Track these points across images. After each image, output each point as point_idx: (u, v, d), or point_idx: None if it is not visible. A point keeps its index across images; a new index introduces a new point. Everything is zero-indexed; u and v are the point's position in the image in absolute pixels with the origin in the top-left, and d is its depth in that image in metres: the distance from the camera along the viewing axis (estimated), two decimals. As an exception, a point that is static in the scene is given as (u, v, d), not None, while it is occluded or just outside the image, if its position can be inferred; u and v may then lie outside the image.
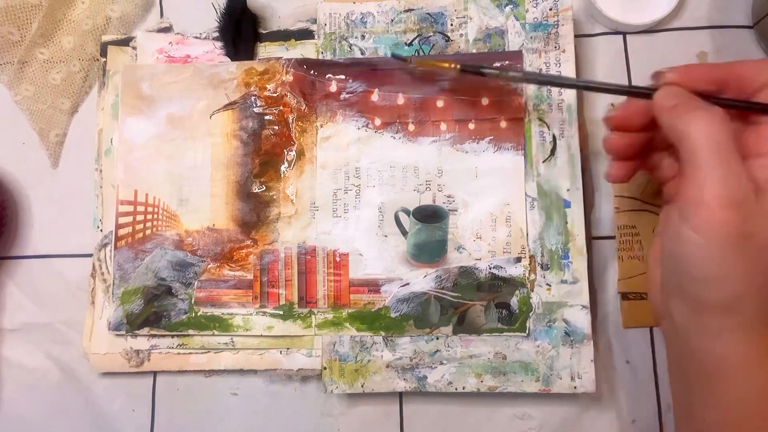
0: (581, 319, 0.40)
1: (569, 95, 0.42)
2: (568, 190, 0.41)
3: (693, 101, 0.30)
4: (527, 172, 0.42)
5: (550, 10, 0.42)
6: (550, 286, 0.41)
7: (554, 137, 0.42)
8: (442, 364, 0.41)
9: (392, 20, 0.44)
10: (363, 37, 0.44)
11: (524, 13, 0.43)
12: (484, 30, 0.43)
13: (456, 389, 0.40)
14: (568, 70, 0.42)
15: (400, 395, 0.42)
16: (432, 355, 0.41)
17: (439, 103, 0.42)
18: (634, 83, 0.44)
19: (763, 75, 0.30)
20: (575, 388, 0.39)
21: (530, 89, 0.42)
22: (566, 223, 0.41)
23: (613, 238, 0.42)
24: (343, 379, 0.41)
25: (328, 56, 0.44)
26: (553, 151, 0.42)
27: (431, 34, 0.43)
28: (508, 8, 0.43)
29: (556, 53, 0.42)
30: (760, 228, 0.28)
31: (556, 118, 0.42)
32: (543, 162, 0.42)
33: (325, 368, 0.41)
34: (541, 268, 0.41)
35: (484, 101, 0.42)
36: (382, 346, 0.41)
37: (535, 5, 0.43)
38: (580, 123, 0.42)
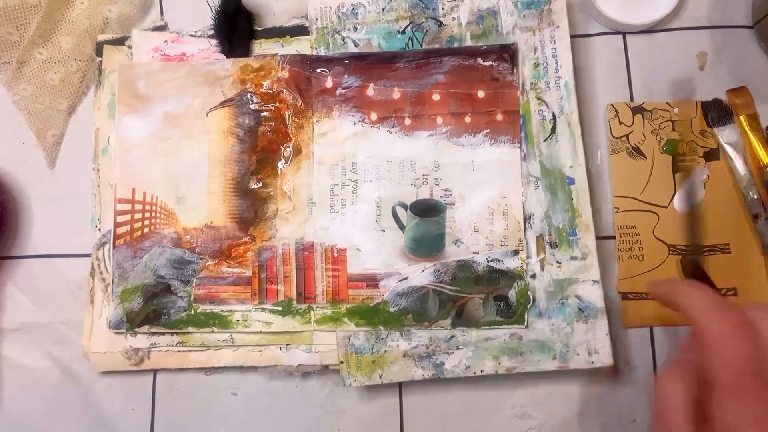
0: (594, 294, 0.40)
1: (566, 72, 0.41)
2: (570, 166, 0.41)
3: None
4: (529, 152, 0.41)
5: None
6: (560, 263, 0.40)
7: (554, 115, 0.41)
8: (458, 349, 0.40)
9: (383, 9, 0.43)
10: (355, 28, 0.43)
11: None
12: (476, 12, 0.43)
13: (474, 373, 0.40)
14: (563, 47, 0.42)
15: (400, 394, 0.42)
16: (448, 341, 0.40)
17: (435, 97, 0.42)
18: (633, 83, 0.44)
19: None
20: (593, 363, 0.39)
21: (526, 69, 0.42)
22: (571, 199, 0.41)
23: (613, 238, 0.42)
24: (360, 371, 0.40)
25: (322, 51, 0.43)
26: (553, 129, 0.41)
27: (423, 20, 0.43)
28: None
29: (550, 30, 0.42)
30: None
31: (554, 95, 0.41)
32: (544, 141, 0.41)
33: (341, 362, 0.41)
34: (550, 246, 0.40)
35: (480, 94, 0.42)
36: (397, 336, 0.41)
37: None
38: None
